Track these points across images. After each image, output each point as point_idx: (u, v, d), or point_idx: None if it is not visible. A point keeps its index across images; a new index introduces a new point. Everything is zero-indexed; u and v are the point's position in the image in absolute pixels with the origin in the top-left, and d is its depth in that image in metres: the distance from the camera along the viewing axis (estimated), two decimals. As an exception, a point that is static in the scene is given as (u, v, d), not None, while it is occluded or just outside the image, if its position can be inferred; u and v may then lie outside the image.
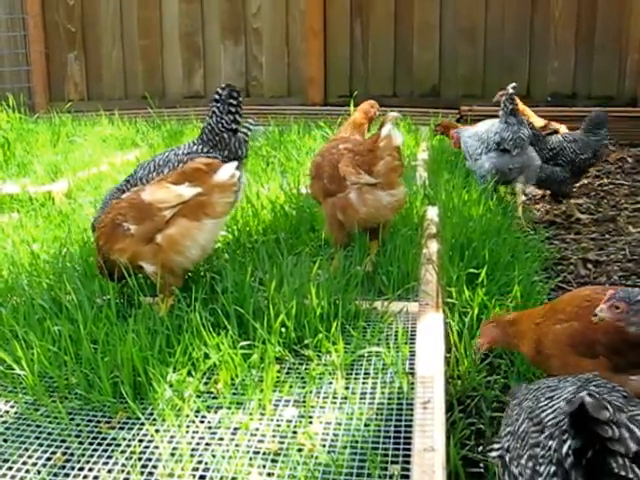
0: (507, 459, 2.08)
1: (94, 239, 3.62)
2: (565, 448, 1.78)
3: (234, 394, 2.91)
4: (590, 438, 1.71)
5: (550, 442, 1.88)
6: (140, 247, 3.46)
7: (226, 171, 3.55)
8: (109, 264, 3.54)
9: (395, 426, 2.68)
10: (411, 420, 2.67)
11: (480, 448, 2.89)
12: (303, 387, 2.94)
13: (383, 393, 2.89)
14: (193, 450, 2.58)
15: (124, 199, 3.67)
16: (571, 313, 2.83)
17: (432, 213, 4.87)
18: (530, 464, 1.92)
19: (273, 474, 2.44)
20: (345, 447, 2.55)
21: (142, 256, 3.46)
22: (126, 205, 3.57)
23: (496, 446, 2.18)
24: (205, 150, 4.71)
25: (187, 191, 3.48)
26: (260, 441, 2.62)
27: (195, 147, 4.75)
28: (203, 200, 3.49)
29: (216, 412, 2.81)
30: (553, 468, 1.83)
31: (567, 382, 2.18)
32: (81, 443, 2.65)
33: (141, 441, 2.65)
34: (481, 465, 2.76)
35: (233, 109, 4.69)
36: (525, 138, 5.70)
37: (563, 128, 6.61)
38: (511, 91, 5.66)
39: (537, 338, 2.88)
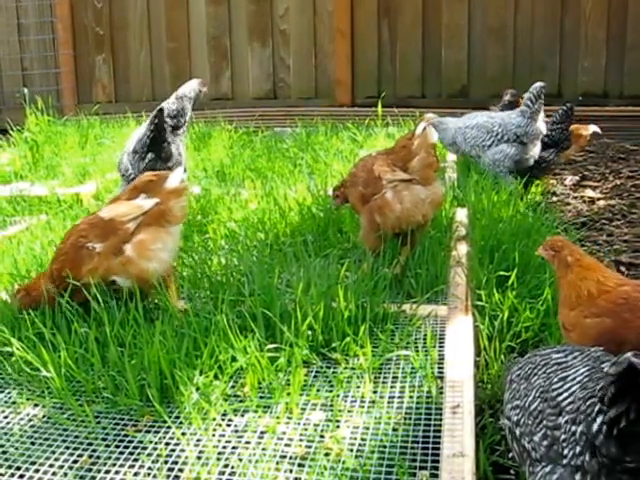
0: (517, 433, 2.16)
1: (52, 270, 3.55)
2: (595, 427, 1.82)
3: (261, 397, 2.90)
4: (633, 401, 1.73)
5: (574, 427, 1.91)
6: (110, 261, 3.45)
7: (176, 177, 3.64)
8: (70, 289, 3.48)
9: (424, 431, 2.65)
10: (440, 425, 2.64)
11: (511, 454, 2.84)
12: (330, 391, 2.91)
13: (412, 397, 2.86)
14: (219, 453, 2.56)
15: (80, 222, 3.68)
16: (605, 308, 2.76)
17: (461, 215, 4.83)
18: (545, 442, 2.00)
19: (300, 478, 2.42)
20: (373, 452, 2.53)
21: (114, 270, 3.45)
22: (86, 227, 3.56)
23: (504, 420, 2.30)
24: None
25: (146, 202, 3.55)
26: (287, 445, 2.60)
27: None
28: (162, 209, 3.56)
29: (243, 415, 2.79)
30: (579, 448, 1.88)
31: (576, 359, 2.19)
32: (107, 446, 2.65)
33: (167, 444, 2.64)
34: (512, 472, 2.71)
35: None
36: (543, 134, 6.12)
37: None
38: (542, 89, 5.92)
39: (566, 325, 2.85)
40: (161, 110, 4.74)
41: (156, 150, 4.79)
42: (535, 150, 6.18)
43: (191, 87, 5.34)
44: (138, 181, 3.71)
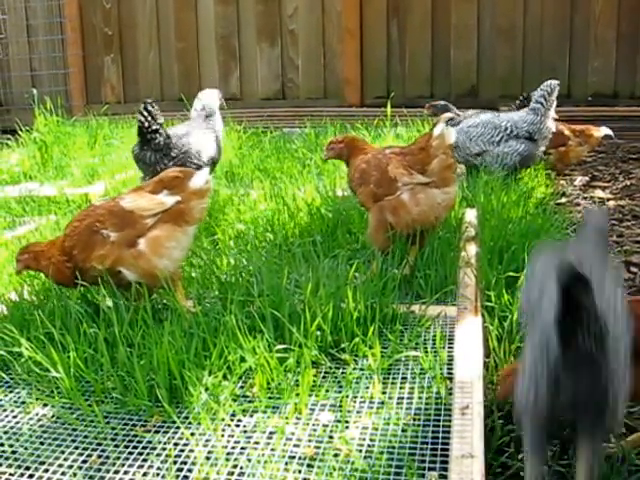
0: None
1: (64, 246, 3.57)
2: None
3: (270, 398, 2.90)
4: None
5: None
6: (122, 252, 3.47)
7: (201, 177, 3.65)
8: (79, 273, 3.53)
9: (433, 432, 2.63)
10: (449, 426, 2.63)
11: (520, 455, 2.83)
12: (339, 391, 2.91)
13: (420, 398, 2.85)
14: (228, 454, 2.56)
15: (99, 206, 3.66)
16: None
17: (470, 215, 4.82)
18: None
19: (309, 479, 2.42)
20: (382, 453, 2.52)
21: (123, 262, 3.48)
22: (105, 212, 3.56)
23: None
24: None
25: (168, 199, 3.55)
26: (296, 445, 2.60)
27: None
28: (182, 208, 3.57)
29: (252, 416, 2.79)
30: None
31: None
32: (117, 446, 2.65)
33: (176, 444, 2.64)
34: (521, 474, 2.70)
35: None
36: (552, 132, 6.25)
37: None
38: (556, 87, 6.05)
39: None
40: (144, 102, 5.10)
41: (144, 140, 5.10)
42: (542, 148, 6.25)
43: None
44: (164, 175, 3.70)
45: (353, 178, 4.18)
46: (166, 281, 3.48)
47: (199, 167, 5.09)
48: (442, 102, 7.18)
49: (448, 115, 4.04)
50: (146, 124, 4.98)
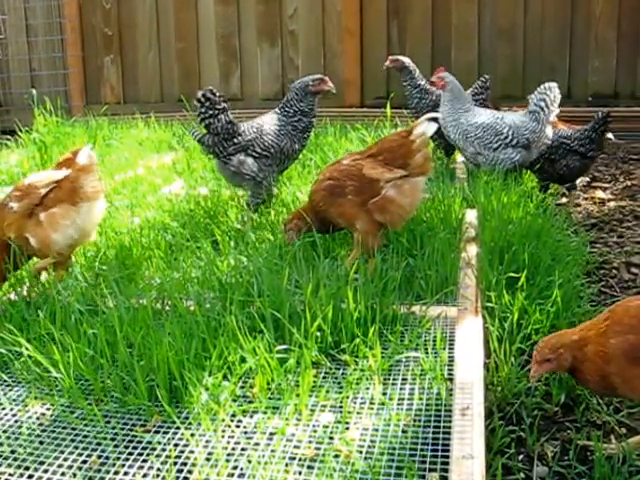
0: None
1: None
2: None
3: (270, 399, 2.89)
4: None
5: None
6: (24, 221, 3.96)
7: (83, 153, 4.07)
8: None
9: (433, 433, 2.63)
10: (449, 427, 2.62)
11: (521, 456, 2.83)
12: (340, 392, 2.90)
13: (421, 399, 2.84)
14: (229, 455, 2.55)
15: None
16: (627, 325, 2.69)
17: (471, 216, 4.82)
18: None
19: (309, 480, 2.41)
20: (382, 454, 2.51)
21: (27, 229, 3.96)
22: (15, 189, 4.11)
23: None
24: None
25: (57, 173, 4.06)
26: (296, 447, 2.59)
27: None
28: (74, 184, 4.00)
29: (252, 417, 2.78)
30: None
31: None
32: (116, 446, 2.64)
33: (176, 445, 2.63)
34: (522, 474, 2.70)
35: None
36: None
37: None
38: (559, 94, 5.86)
39: (598, 357, 2.66)
40: (204, 90, 5.22)
41: (205, 125, 5.21)
42: (536, 153, 6.08)
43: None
44: (62, 157, 4.23)
45: (317, 201, 4.16)
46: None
47: (260, 155, 5.18)
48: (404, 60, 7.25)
49: (432, 115, 4.06)
50: (202, 110, 5.16)
